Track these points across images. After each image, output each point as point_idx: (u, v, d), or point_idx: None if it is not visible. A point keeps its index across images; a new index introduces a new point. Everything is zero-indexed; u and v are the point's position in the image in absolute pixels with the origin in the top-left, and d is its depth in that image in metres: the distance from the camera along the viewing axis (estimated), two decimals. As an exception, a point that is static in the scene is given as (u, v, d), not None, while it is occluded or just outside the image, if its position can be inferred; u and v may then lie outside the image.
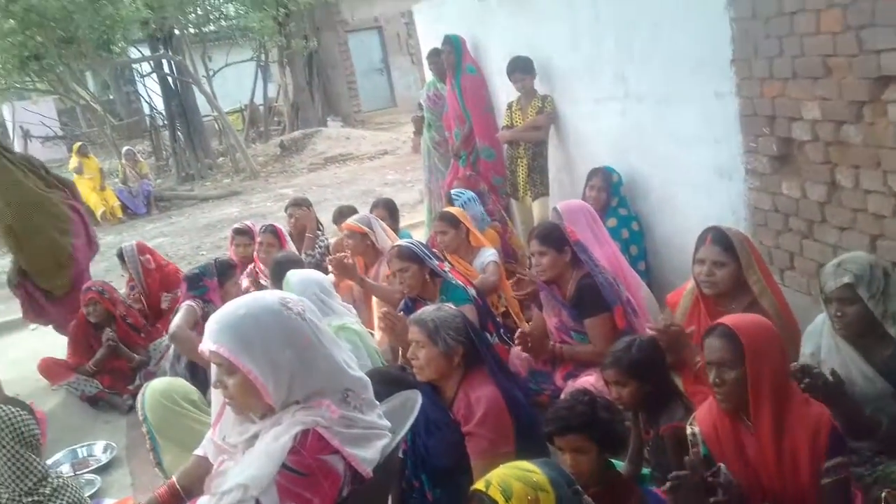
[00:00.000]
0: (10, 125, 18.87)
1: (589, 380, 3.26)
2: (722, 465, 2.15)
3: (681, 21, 3.97)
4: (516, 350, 3.63)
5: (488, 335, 3.46)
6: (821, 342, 2.62)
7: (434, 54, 6.77)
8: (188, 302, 4.23)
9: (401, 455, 2.54)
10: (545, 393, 3.51)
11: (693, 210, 4.21)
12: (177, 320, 4.09)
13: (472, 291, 3.80)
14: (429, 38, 7.58)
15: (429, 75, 7.20)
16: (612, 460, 2.53)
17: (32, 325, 6.96)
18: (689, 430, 2.39)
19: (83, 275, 5.74)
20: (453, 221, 4.55)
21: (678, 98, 4.17)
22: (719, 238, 2.99)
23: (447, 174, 6.66)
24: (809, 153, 3.28)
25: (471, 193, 5.10)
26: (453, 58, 6.26)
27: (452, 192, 5.23)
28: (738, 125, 3.70)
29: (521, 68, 5.50)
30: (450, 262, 4.23)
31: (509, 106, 5.74)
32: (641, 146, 4.64)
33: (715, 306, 2.99)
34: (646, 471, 2.80)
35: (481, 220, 5.01)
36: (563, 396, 3.10)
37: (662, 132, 4.38)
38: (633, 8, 4.38)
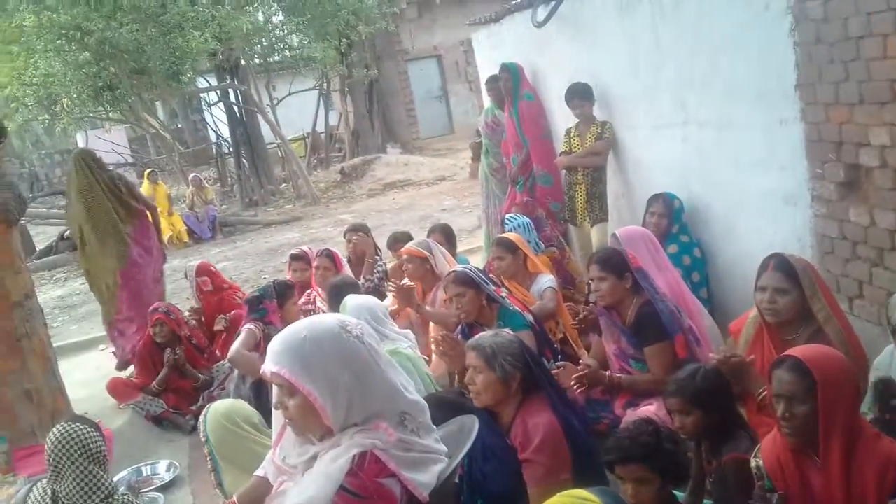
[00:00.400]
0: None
1: (650, 409, 3.20)
2: (777, 494, 2.08)
3: (742, 47, 3.93)
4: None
5: (546, 362, 3.44)
6: (890, 374, 2.53)
7: (492, 81, 6.83)
8: (248, 325, 4.33)
9: (457, 480, 2.53)
10: (604, 422, 3.46)
11: (756, 237, 4.12)
12: (236, 344, 4.20)
13: (530, 317, 3.79)
14: (487, 66, 7.65)
15: (487, 102, 7.25)
16: (674, 491, 2.48)
17: (102, 346, 7.21)
18: (753, 463, 2.33)
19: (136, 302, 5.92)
20: (511, 247, 4.55)
21: (740, 124, 4.11)
22: (781, 265, 2.92)
23: (505, 200, 6.67)
24: (878, 179, 3.19)
25: (525, 219, 5.09)
26: (511, 84, 6.31)
27: (506, 216, 5.24)
28: (804, 151, 3.62)
29: (579, 94, 5.50)
30: (507, 288, 4.22)
31: (568, 132, 5.73)
32: (702, 172, 4.57)
33: (778, 335, 2.92)
34: (707, 502, 2.72)
35: (534, 247, 5.00)
36: (623, 425, 3.06)
37: (724, 158, 4.32)
38: (693, 35, 4.35)
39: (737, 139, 4.17)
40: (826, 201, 3.55)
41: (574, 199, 5.73)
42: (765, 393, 2.61)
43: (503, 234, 4.89)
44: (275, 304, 4.49)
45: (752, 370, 2.85)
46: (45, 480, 2.99)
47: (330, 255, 5.43)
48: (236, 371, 4.40)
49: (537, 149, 6.25)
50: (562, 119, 6.05)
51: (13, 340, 4.71)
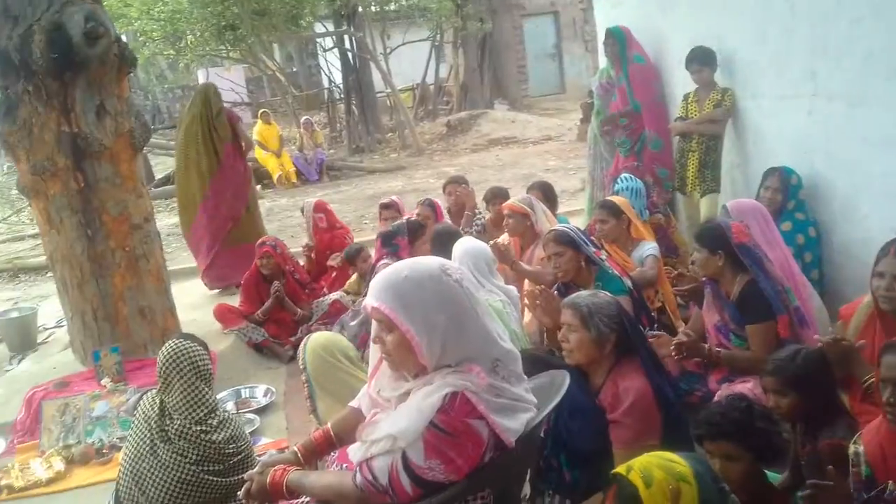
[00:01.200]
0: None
1: (746, 385, 3.12)
2: (890, 482, 2.00)
3: (886, 15, 3.67)
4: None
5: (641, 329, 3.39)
6: None
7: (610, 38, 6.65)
8: (384, 261, 4.47)
9: (542, 435, 2.55)
10: (696, 394, 3.40)
11: (879, 220, 3.90)
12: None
13: (629, 283, 3.73)
14: (606, 24, 7.43)
15: (602, 62, 7.07)
16: (767, 471, 2.42)
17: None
18: (851, 449, 2.24)
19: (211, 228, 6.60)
20: (615, 210, 4.47)
21: (875, 100, 3.86)
22: (905, 251, 2.76)
23: (612, 163, 6.54)
24: None
25: (639, 184, 4.95)
26: (617, 49, 6.15)
27: (622, 175, 5.12)
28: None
29: (698, 59, 5.29)
30: (607, 252, 4.17)
31: (685, 97, 5.54)
32: (828, 148, 4.34)
33: (893, 323, 2.78)
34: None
35: (640, 214, 4.89)
36: (715, 399, 3.00)
37: (852, 135, 4.08)
38: (832, 0, 4.09)
39: (868, 115, 3.93)
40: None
41: (685, 167, 5.56)
42: (872, 380, 2.50)
43: (609, 197, 4.80)
44: (406, 241, 4.65)
45: (860, 356, 2.74)
46: (154, 391, 3.20)
47: (432, 205, 5.50)
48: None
49: (649, 112, 6.08)
50: (680, 84, 5.84)
51: (132, 260, 5.02)
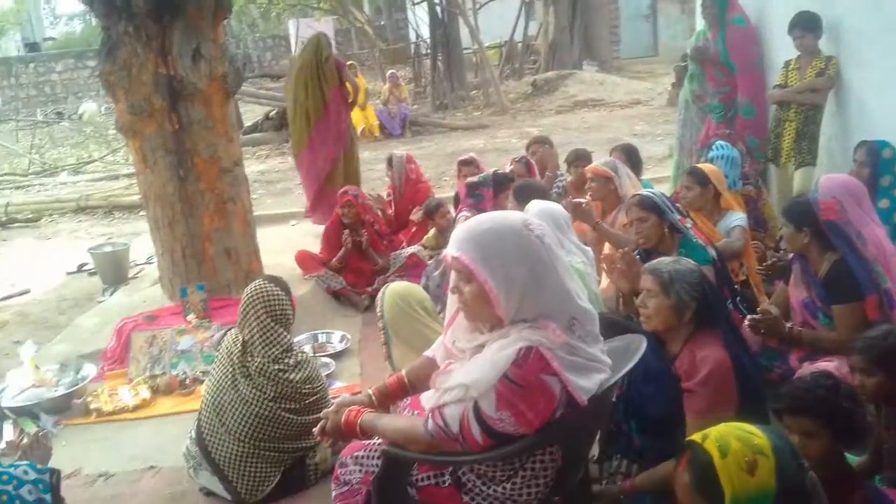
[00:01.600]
0: (293, 38, 20.74)
1: (830, 364, 3.01)
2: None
3: None
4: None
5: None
6: None
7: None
8: (464, 213, 4.49)
9: (614, 399, 2.54)
10: (776, 371, 3.32)
11: None
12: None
13: (713, 253, 3.63)
14: (706, -15, 7.13)
15: (700, 24, 6.81)
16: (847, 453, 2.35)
17: (293, 221, 7.78)
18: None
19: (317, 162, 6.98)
20: (701, 179, 4.34)
21: None
22: None
23: (702, 130, 6.34)
24: None
25: (734, 153, 4.76)
26: (716, 11, 5.91)
27: (718, 142, 4.95)
28: None
29: (802, 25, 5.03)
30: (692, 220, 4.06)
31: (786, 64, 5.30)
32: (938, 124, 4.09)
33: None
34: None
35: (732, 184, 4.72)
36: (797, 376, 2.92)
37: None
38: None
39: None
40: None
41: (780, 137, 5.34)
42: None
43: (699, 164, 4.66)
44: (491, 192, 4.66)
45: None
46: (236, 329, 3.33)
47: (527, 164, 5.46)
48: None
49: (744, 78, 5.84)
50: (781, 50, 5.57)
51: (221, 202, 5.18)
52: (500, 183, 4.79)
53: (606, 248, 4.34)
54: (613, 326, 2.73)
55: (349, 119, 7.22)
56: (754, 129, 5.74)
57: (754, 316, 3.32)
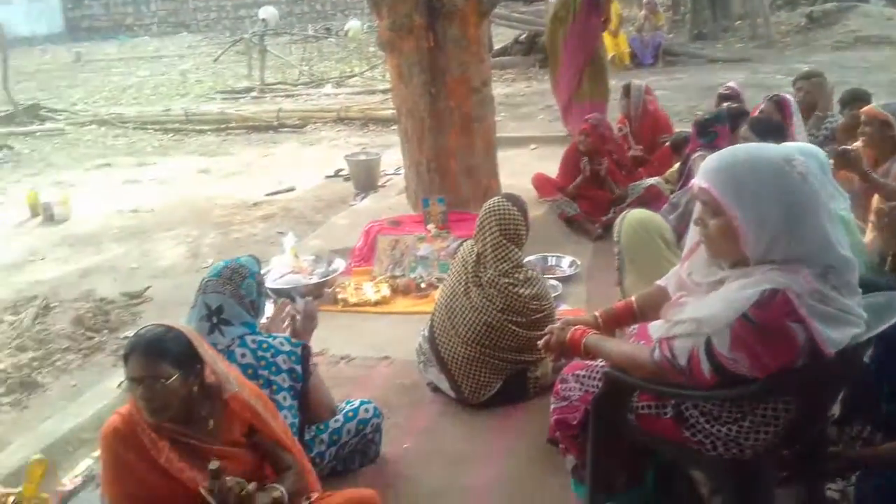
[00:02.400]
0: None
1: None
2: None
3: None
4: None
5: None
6: None
7: None
8: (699, 152, 4.23)
9: (867, 360, 2.32)
10: None
11: None
12: None
13: None
14: None
15: None
16: None
17: (533, 145, 7.86)
18: None
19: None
20: None
21: None
22: None
23: None
24: None
25: None
26: None
27: None
28: None
29: None
30: None
31: None
32: None
33: None
34: None
35: None
36: None
37: None
38: None
39: None
40: None
41: None
42: None
43: None
44: (727, 128, 4.31)
45: None
46: (471, 241, 3.47)
47: (779, 102, 4.95)
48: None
49: None
50: None
51: (468, 121, 5.35)
52: (736, 117, 4.38)
53: (876, 200, 3.91)
54: (869, 287, 2.48)
55: (597, 31, 7.50)
56: None
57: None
